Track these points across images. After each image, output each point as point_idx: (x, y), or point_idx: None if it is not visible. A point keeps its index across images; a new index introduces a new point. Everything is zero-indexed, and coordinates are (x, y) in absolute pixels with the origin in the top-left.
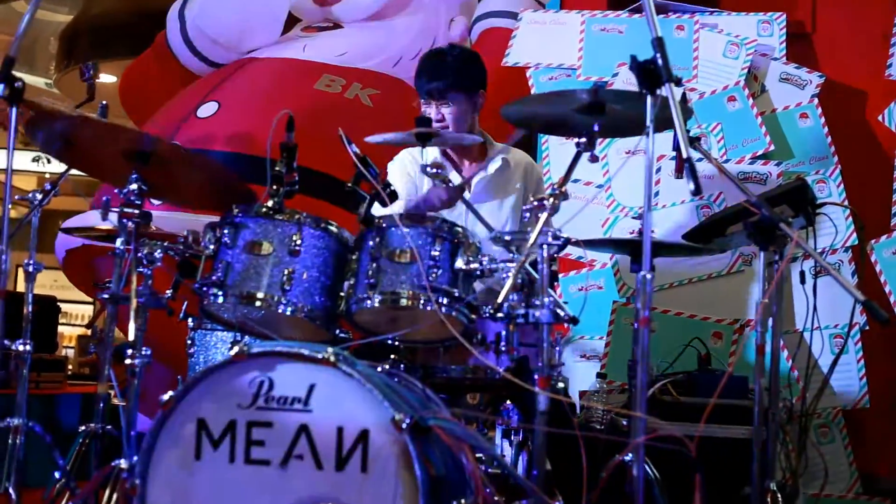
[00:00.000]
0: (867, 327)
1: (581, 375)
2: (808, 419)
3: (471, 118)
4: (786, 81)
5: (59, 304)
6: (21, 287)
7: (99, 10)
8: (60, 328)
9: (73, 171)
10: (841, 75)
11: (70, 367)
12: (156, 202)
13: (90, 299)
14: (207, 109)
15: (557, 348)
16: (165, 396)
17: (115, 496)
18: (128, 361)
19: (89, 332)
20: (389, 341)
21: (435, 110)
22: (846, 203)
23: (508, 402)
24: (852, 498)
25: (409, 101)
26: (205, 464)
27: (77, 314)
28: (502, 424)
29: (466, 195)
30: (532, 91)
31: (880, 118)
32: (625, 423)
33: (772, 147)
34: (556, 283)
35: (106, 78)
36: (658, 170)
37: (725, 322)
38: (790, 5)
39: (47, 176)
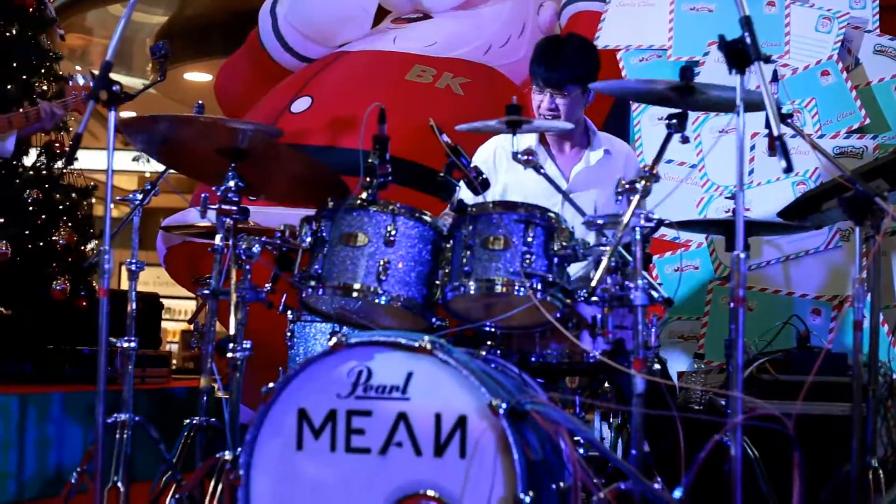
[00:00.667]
0: None
1: (679, 356)
2: None
3: (582, 110)
4: (880, 53)
5: (161, 300)
6: (125, 285)
7: (193, 11)
8: (164, 324)
9: (172, 171)
10: None
11: (174, 361)
12: (252, 199)
13: (192, 295)
14: (301, 104)
15: (653, 330)
16: (266, 388)
17: (220, 487)
18: (229, 355)
19: (191, 327)
20: (486, 328)
21: (549, 99)
22: None
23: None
24: None
25: (500, 90)
26: (307, 453)
27: (180, 310)
28: (600, 409)
29: (564, 185)
30: (623, 73)
31: None
32: (723, 402)
33: (867, 120)
34: (650, 265)
35: (201, 77)
36: (752, 147)
37: (824, 299)
38: None
39: (147, 175)
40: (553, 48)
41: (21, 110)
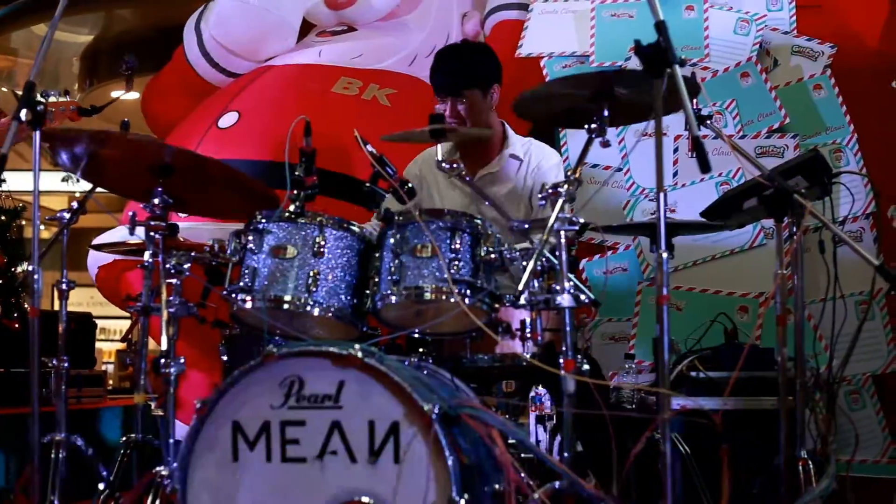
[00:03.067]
0: (893, 292)
1: (610, 357)
2: (836, 386)
3: (487, 113)
4: (798, 54)
5: (96, 320)
6: (57, 306)
7: (119, 30)
8: (99, 344)
9: (101, 189)
10: (852, 45)
11: (110, 382)
12: (181, 215)
13: (127, 315)
14: (228, 119)
15: (582, 332)
16: (199, 402)
17: (157, 502)
18: (163, 371)
19: (125, 345)
20: (417, 335)
21: (451, 107)
22: (864, 171)
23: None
24: (886, 463)
25: (426, 100)
26: (242, 465)
27: (115, 329)
28: (535, 410)
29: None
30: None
31: (894, 84)
32: (653, 399)
33: (787, 120)
34: (578, 269)
35: (129, 95)
36: (675, 150)
37: (751, 296)
38: None
39: (77, 195)
40: (446, 56)
41: None
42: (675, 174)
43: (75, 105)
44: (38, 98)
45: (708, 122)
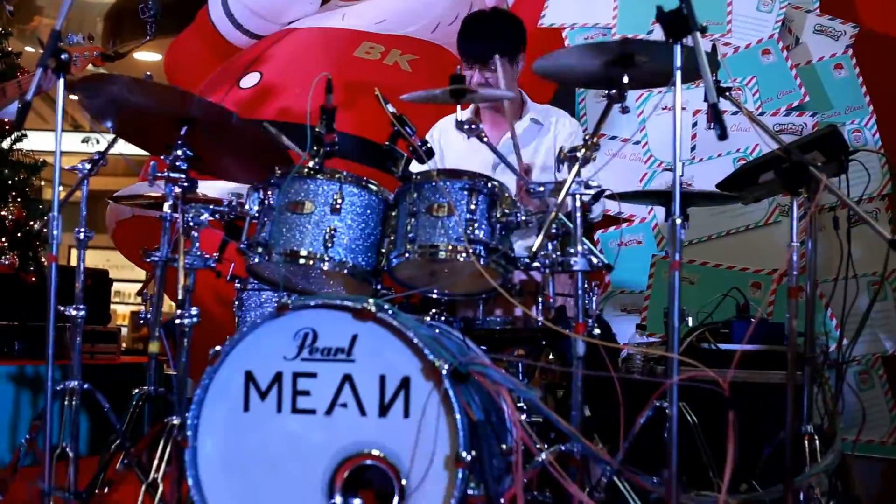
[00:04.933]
0: None
1: (622, 329)
2: (845, 365)
3: (512, 81)
4: (820, 33)
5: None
6: (74, 263)
7: None
8: (113, 306)
9: (124, 151)
10: (874, 25)
11: (124, 344)
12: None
13: (142, 279)
14: (250, 80)
15: (594, 297)
16: (213, 350)
17: (168, 450)
18: (177, 322)
19: (140, 298)
20: (431, 295)
21: (478, 75)
22: (882, 150)
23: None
24: (893, 444)
25: (448, 67)
26: (253, 414)
27: (129, 293)
28: (544, 379)
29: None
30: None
31: None
32: (662, 369)
33: (807, 98)
34: (592, 235)
35: (151, 56)
36: (694, 124)
37: (764, 272)
38: None
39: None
40: (475, 23)
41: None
42: (692, 148)
43: (99, 50)
44: (62, 45)
45: (727, 93)
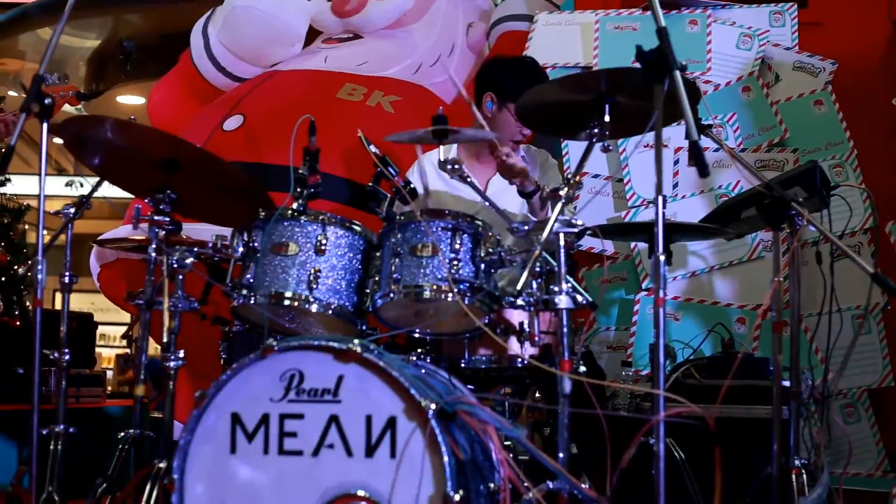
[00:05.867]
0: (889, 307)
1: (608, 366)
2: (830, 399)
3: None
4: (799, 70)
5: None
6: (59, 306)
7: (126, 35)
8: (98, 349)
9: (108, 194)
10: (854, 62)
11: (109, 387)
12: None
13: (127, 321)
14: (233, 122)
15: (580, 335)
16: (199, 393)
17: (154, 493)
18: (163, 364)
19: (125, 342)
20: (416, 335)
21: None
22: (863, 185)
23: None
24: (880, 476)
25: (430, 108)
26: (240, 456)
27: (114, 336)
28: (531, 418)
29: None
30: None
31: (894, 101)
32: (648, 404)
33: (787, 134)
34: (577, 273)
35: (134, 99)
36: (676, 162)
37: (748, 307)
38: None
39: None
40: (535, 69)
41: None
42: (675, 185)
43: (73, 90)
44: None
45: (708, 130)
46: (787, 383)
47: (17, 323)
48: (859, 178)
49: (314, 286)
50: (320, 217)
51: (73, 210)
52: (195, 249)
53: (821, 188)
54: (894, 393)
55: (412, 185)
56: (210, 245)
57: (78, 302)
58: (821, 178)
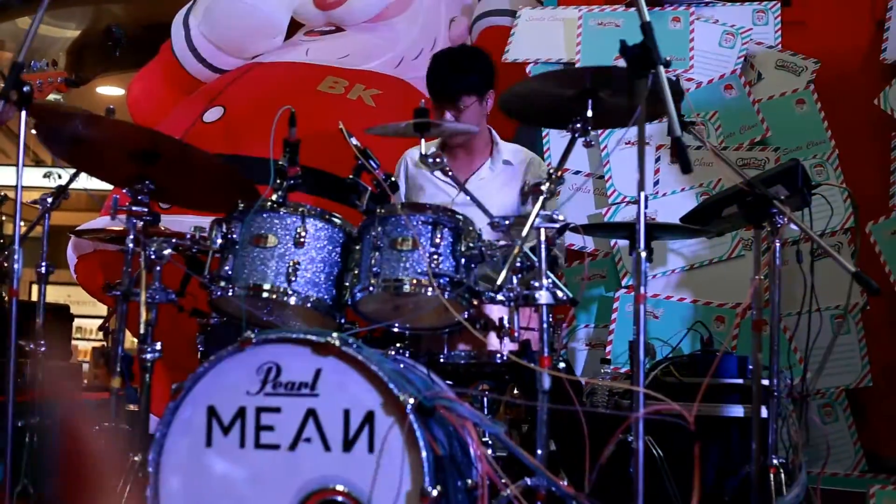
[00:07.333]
0: (868, 307)
1: (587, 363)
2: (808, 398)
3: (481, 119)
4: (782, 68)
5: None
6: (35, 298)
7: (105, 25)
8: (74, 342)
9: (87, 187)
10: (836, 61)
11: (85, 380)
12: (163, 206)
13: (104, 315)
14: (213, 114)
15: (559, 332)
16: (175, 386)
17: (129, 488)
18: (140, 356)
19: (101, 333)
20: (395, 330)
21: (447, 114)
22: (844, 185)
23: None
24: (857, 476)
25: (411, 102)
26: (216, 450)
27: (91, 329)
28: (509, 414)
29: (453, 193)
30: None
31: (876, 101)
32: (627, 403)
33: (769, 133)
34: (558, 269)
35: (114, 90)
36: (657, 159)
37: (728, 306)
38: None
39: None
40: (444, 62)
41: None
42: (656, 183)
43: (62, 76)
44: (25, 73)
45: (691, 127)
46: (766, 382)
47: None
48: (840, 177)
49: (293, 279)
50: (300, 209)
51: (50, 200)
52: (173, 241)
53: (802, 186)
54: (872, 393)
55: (393, 179)
56: (188, 236)
57: (54, 294)
58: (803, 176)
